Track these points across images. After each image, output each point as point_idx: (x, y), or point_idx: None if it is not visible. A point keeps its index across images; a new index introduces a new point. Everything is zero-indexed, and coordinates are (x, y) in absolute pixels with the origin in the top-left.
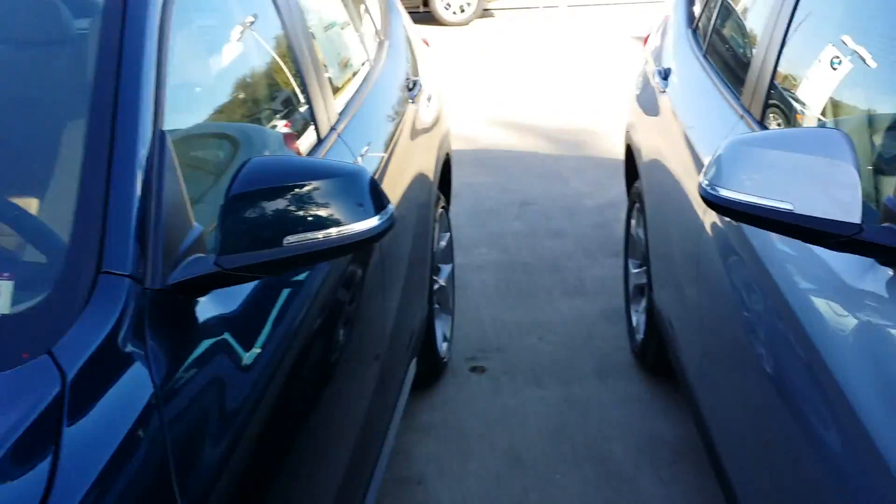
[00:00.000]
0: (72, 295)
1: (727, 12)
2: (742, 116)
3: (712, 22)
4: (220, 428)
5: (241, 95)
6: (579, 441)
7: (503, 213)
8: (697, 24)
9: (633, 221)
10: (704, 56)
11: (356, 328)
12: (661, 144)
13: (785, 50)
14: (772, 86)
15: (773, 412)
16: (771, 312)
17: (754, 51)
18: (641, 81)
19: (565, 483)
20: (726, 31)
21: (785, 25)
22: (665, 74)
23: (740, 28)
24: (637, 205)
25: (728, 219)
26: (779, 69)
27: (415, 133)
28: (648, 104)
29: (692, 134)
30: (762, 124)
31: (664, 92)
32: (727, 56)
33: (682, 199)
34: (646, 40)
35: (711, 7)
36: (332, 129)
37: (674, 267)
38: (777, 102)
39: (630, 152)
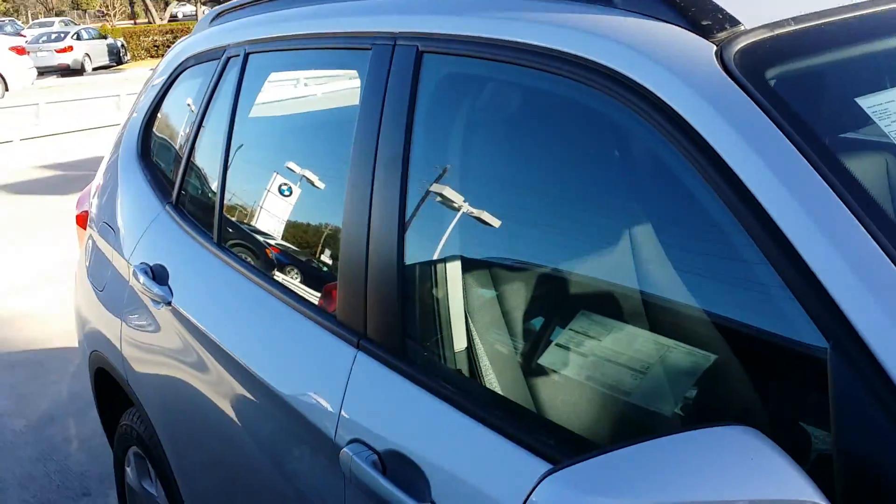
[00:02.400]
0: None
1: (206, 172)
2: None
3: (211, 194)
4: None
5: None
6: None
7: None
8: (181, 198)
9: (128, 470)
10: (219, 244)
11: None
12: (186, 375)
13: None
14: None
15: None
16: None
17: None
18: (106, 282)
19: None
20: (237, 202)
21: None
22: (160, 277)
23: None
24: (136, 448)
25: None
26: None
27: None
28: (138, 317)
29: (259, 367)
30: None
31: (169, 305)
32: (262, 242)
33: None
34: (82, 220)
35: (191, 173)
36: None
37: None
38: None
39: (106, 380)
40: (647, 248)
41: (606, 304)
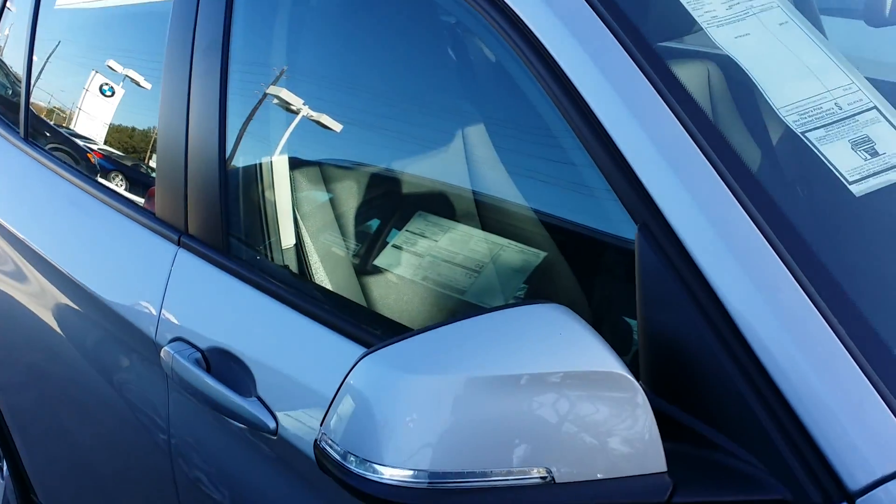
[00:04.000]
0: None
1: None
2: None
3: (16, 87)
4: None
5: None
6: None
7: None
8: None
9: None
10: (26, 139)
11: None
12: None
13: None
14: None
15: None
16: None
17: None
18: None
19: None
20: (48, 98)
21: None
22: None
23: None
24: None
25: None
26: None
27: None
28: None
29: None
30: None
31: None
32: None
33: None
34: None
35: None
36: None
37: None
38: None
39: None
40: (480, 148)
41: (442, 206)
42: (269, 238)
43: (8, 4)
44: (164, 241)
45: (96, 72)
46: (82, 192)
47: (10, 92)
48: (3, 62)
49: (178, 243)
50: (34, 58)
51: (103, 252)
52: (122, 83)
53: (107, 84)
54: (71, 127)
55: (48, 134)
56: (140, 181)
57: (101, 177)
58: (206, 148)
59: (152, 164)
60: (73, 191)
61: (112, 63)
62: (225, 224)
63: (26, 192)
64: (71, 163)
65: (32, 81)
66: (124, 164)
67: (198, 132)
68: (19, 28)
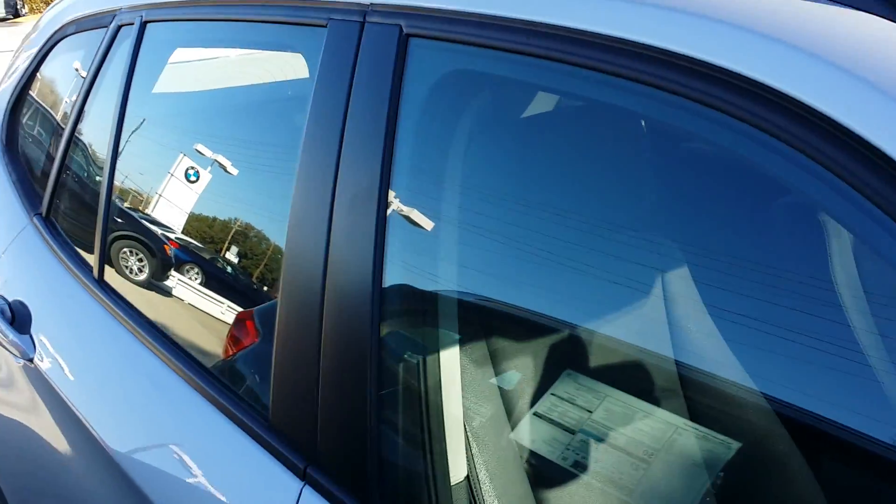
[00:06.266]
0: None
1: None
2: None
3: (92, 211)
4: None
5: None
6: None
7: None
8: (53, 208)
9: None
10: (100, 282)
11: None
12: (46, 460)
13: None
14: None
15: None
16: None
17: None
18: None
19: None
20: (129, 225)
21: None
22: (21, 320)
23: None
24: None
25: None
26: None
27: None
28: None
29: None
30: None
31: (31, 362)
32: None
33: None
34: None
35: (68, 177)
36: None
37: None
38: None
39: None
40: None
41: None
42: (433, 468)
43: (77, 67)
44: (283, 468)
45: (184, 155)
46: (168, 367)
47: (81, 205)
48: (76, 169)
49: (304, 477)
50: (115, 171)
51: (183, 460)
52: (209, 168)
53: (192, 168)
54: (150, 214)
55: (121, 221)
56: (216, 276)
57: (175, 270)
58: (354, 338)
59: (229, 256)
60: (156, 365)
61: (201, 147)
62: (374, 445)
63: (95, 356)
64: (148, 311)
65: (112, 205)
66: (202, 256)
67: (339, 305)
68: (98, 133)
